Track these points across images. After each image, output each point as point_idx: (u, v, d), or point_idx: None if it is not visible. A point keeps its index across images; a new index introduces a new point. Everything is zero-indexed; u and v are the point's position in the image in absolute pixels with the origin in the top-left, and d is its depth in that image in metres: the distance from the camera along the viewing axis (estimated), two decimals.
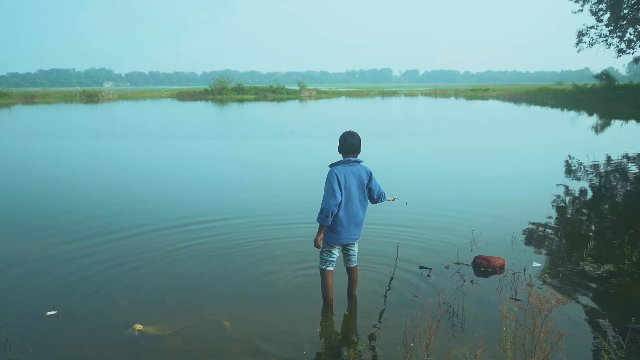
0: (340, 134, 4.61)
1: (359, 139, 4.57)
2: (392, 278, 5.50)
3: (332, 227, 4.53)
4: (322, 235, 4.53)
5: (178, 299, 5.09)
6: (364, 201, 4.61)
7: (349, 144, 4.52)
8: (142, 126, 24.26)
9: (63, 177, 11.97)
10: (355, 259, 4.85)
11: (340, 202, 4.42)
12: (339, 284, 5.01)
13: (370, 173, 4.57)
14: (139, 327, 4.40)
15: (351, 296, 4.97)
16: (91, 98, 57.37)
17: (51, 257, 6.27)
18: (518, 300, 4.82)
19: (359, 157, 4.59)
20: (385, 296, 5.08)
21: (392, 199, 5.11)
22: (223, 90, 61.80)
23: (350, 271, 4.93)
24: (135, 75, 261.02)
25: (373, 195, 4.66)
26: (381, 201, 4.75)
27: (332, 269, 4.69)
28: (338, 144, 4.60)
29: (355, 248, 4.81)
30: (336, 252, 4.68)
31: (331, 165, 4.53)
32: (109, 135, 20.37)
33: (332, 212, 4.39)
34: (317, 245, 4.57)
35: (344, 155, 4.57)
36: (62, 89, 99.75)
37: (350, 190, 4.47)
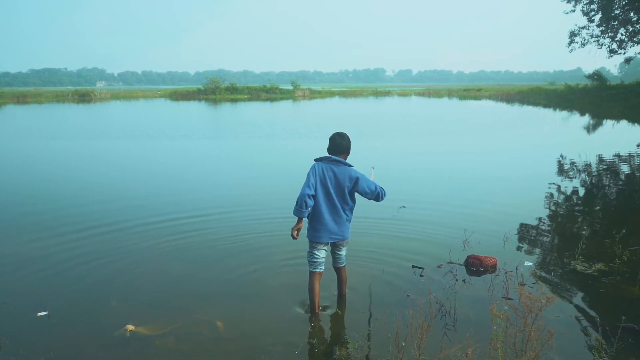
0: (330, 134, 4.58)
1: (348, 140, 4.54)
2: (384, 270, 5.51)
3: (311, 223, 4.53)
4: (297, 226, 4.49)
5: (169, 298, 5.08)
6: (344, 203, 4.51)
7: (338, 144, 4.50)
8: (134, 126, 24.17)
9: (51, 175, 11.89)
10: (342, 260, 4.80)
11: (318, 197, 4.42)
12: (331, 283, 5.01)
13: (357, 178, 4.44)
14: (130, 327, 4.38)
15: (341, 296, 4.94)
16: (83, 98, 57.10)
17: (41, 255, 6.23)
18: (510, 299, 4.84)
19: (350, 159, 4.55)
20: (377, 295, 5.09)
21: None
22: (216, 90, 61.70)
23: (338, 271, 4.88)
24: (128, 74, 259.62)
25: (367, 196, 4.54)
26: (382, 197, 4.56)
27: (317, 270, 4.60)
28: (327, 145, 4.56)
29: (343, 251, 4.75)
30: (320, 253, 4.58)
31: (316, 160, 4.53)
32: (101, 135, 20.26)
33: (305, 203, 4.36)
34: (292, 236, 4.52)
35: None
36: (54, 89, 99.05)
37: (329, 187, 4.43)
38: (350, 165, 4.50)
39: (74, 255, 6.25)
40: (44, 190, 10.26)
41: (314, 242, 4.58)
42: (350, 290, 5.07)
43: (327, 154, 4.56)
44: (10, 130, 23.74)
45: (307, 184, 4.39)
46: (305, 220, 4.55)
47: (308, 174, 4.43)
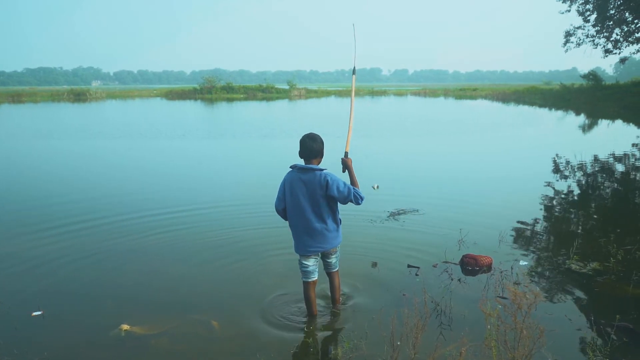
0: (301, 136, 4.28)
1: (320, 142, 4.18)
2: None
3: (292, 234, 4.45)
4: None
5: (164, 297, 5.07)
6: (321, 212, 4.19)
7: (309, 147, 4.14)
8: (129, 126, 24.09)
9: (44, 173, 11.83)
10: (332, 266, 4.58)
11: (288, 209, 4.28)
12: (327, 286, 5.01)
13: (327, 182, 4.07)
14: (125, 327, 4.37)
15: (335, 302, 4.75)
16: (79, 97, 56.86)
17: (35, 254, 6.21)
18: (504, 298, 4.85)
19: (324, 161, 4.27)
20: (372, 294, 5.09)
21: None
22: (212, 90, 61.53)
23: (329, 277, 4.69)
24: (124, 74, 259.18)
25: (341, 201, 4.15)
26: (359, 200, 4.13)
27: (309, 280, 4.43)
28: (298, 149, 4.22)
29: (332, 259, 4.48)
30: (307, 262, 4.37)
31: (291, 167, 4.28)
32: (96, 135, 20.17)
33: (279, 214, 4.41)
34: None
35: (305, 161, 4.21)
36: (49, 88, 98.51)
37: (298, 199, 4.16)
38: (321, 170, 4.16)
39: (68, 253, 6.23)
40: (37, 189, 10.21)
41: (297, 253, 4.46)
42: (346, 289, 5.07)
43: (300, 159, 4.26)
44: (4, 129, 23.60)
45: (277, 198, 4.35)
46: None
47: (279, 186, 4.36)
